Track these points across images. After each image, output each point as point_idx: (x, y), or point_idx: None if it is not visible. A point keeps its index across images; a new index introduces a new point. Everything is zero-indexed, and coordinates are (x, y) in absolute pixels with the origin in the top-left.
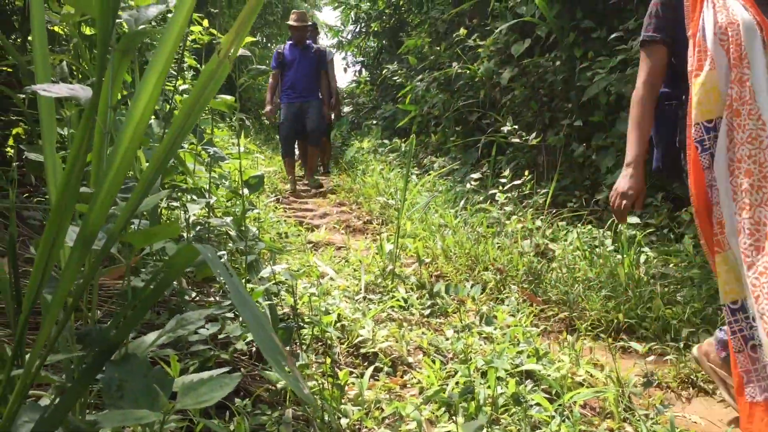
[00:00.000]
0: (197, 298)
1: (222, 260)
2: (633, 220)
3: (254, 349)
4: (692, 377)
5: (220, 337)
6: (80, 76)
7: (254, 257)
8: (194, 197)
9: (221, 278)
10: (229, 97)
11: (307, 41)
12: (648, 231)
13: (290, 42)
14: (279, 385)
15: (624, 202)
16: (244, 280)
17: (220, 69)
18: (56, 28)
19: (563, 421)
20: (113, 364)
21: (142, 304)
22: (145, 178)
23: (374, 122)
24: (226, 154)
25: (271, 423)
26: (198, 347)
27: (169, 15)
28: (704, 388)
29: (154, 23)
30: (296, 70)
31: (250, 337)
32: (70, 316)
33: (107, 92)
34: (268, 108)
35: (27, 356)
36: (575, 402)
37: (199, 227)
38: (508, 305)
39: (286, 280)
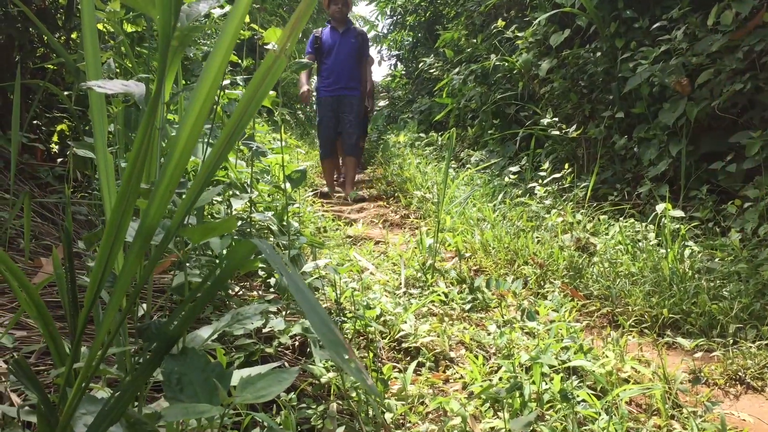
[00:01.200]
0: (240, 292)
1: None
2: (677, 213)
3: (297, 343)
4: (740, 374)
5: (264, 331)
6: (122, 72)
7: (296, 252)
8: (236, 192)
9: (279, 273)
10: (271, 92)
11: (348, 23)
12: (693, 224)
13: (329, 24)
14: (323, 380)
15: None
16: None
17: (275, 66)
18: (99, 26)
19: (610, 418)
20: (172, 357)
21: (201, 299)
22: (201, 175)
23: (410, 116)
24: (266, 148)
25: (316, 417)
26: (243, 341)
27: (215, 10)
28: (753, 385)
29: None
30: (336, 56)
31: (293, 330)
32: (128, 311)
33: (160, 88)
34: (304, 89)
35: (83, 350)
36: (621, 399)
37: (241, 222)
38: (550, 300)
39: (328, 274)
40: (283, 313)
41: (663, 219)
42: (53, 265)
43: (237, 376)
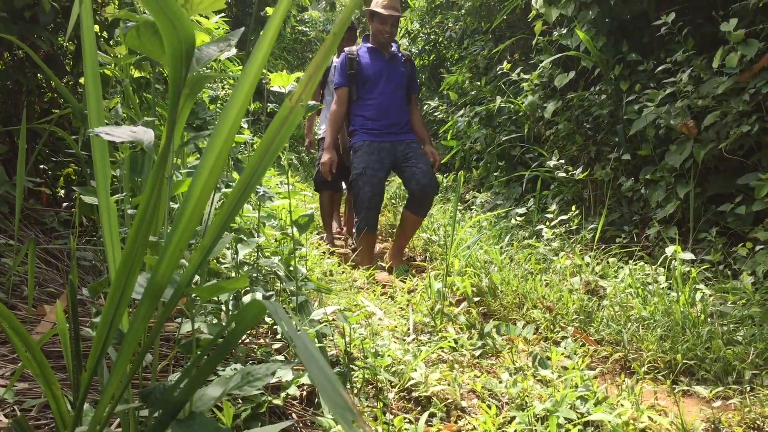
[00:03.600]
0: (247, 339)
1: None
2: (687, 256)
3: (305, 392)
4: (758, 422)
5: (271, 381)
6: (129, 118)
7: (304, 298)
8: (243, 237)
9: (284, 330)
10: None
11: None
12: (703, 267)
13: (367, 44)
14: (332, 431)
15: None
16: (294, 323)
17: (292, 115)
18: (107, 71)
19: None
20: (179, 424)
21: (209, 363)
22: (214, 229)
23: None
24: (273, 192)
25: None
26: (250, 392)
27: (225, 54)
28: None
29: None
30: (384, 88)
31: (301, 380)
32: (134, 373)
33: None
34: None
35: (86, 406)
36: None
37: (246, 267)
38: (564, 347)
39: (334, 320)
40: (291, 362)
41: (673, 261)
42: (57, 319)
43: None
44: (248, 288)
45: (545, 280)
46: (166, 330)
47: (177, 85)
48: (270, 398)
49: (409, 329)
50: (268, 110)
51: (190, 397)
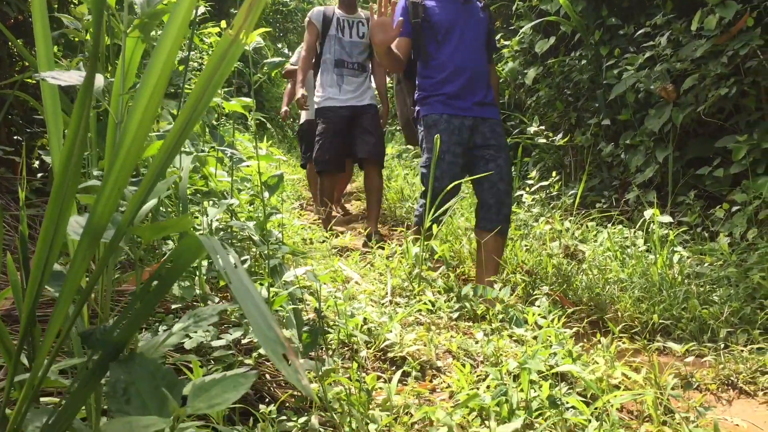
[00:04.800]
0: (219, 302)
1: (244, 265)
2: (665, 219)
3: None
4: (732, 379)
5: (243, 342)
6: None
7: (278, 261)
8: (215, 201)
9: (220, 266)
10: (246, 99)
11: None
12: (681, 230)
13: None
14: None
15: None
16: (267, 285)
17: (232, 48)
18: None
19: (600, 424)
20: (118, 364)
21: (148, 301)
22: (155, 165)
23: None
24: (248, 158)
25: (297, 429)
26: (222, 353)
27: None
28: (745, 389)
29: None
30: (460, 42)
31: None
32: (77, 315)
33: (120, 80)
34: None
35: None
36: (612, 405)
37: (222, 232)
38: (538, 306)
39: (312, 284)
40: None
41: (651, 225)
42: (8, 271)
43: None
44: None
45: (525, 245)
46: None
47: (98, 16)
48: (241, 358)
49: (386, 293)
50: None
51: (130, 337)
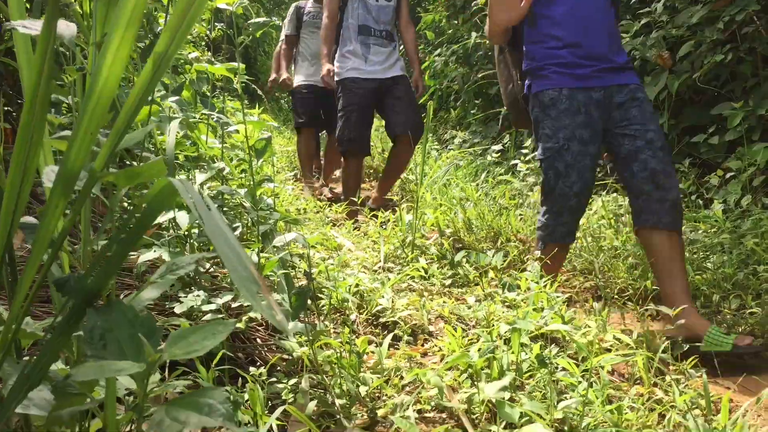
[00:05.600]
0: (212, 269)
1: (235, 232)
2: None
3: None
4: None
5: (234, 306)
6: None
7: (268, 227)
8: (205, 166)
9: (193, 208)
10: (233, 64)
11: None
12: None
13: None
14: (295, 354)
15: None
16: (257, 250)
17: None
18: None
19: (590, 385)
20: (96, 311)
21: (122, 246)
22: (127, 109)
23: None
24: (233, 121)
25: (287, 391)
26: (213, 317)
27: None
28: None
29: None
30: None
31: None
32: (51, 263)
33: (91, 28)
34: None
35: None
36: (603, 367)
37: (212, 198)
38: (531, 271)
39: (304, 250)
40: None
41: None
42: None
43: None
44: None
45: (520, 214)
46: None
47: None
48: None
49: (379, 260)
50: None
51: (106, 284)
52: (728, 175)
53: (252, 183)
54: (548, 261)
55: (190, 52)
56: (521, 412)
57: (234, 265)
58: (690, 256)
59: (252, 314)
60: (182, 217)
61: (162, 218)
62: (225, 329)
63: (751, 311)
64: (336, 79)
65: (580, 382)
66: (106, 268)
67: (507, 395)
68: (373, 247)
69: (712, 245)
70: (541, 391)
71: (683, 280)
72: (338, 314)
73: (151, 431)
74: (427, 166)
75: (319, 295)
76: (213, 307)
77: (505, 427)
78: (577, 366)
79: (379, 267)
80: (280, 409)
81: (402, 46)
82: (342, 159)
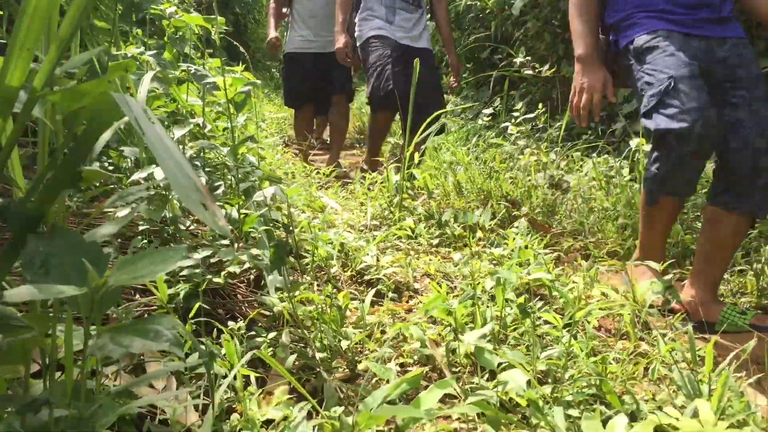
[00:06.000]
0: (192, 226)
1: (217, 191)
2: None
3: (252, 276)
4: None
5: (213, 261)
6: None
7: (250, 184)
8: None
9: (133, 122)
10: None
11: None
12: None
13: None
14: (276, 309)
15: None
16: (236, 206)
17: None
18: None
19: (575, 338)
20: (37, 237)
21: (63, 168)
22: (70, 18)
23: None
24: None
25: (266, 345)
26: (190, 271)
27: None
28: None
29: None
30: None
31: (245, 258)
32: None
33: None
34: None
35: None
36: (588, 321)
37: (193, 157)
38: (518, 227)
39: (281, 202)
40: (236, 245)
41: (637, 154)
42: None
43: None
44: None
45: (510, 177)
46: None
47: None
48: (210, 276)
49: (366, 220)
50: None
51: (47, 208)
52: None
53: (232, 137)
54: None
55: (168, 7)
56: (501, 360)
57: (175, 175)
58: (680, 216)
59: (231, 269)
60: (160, 172)
61: (139, 174)
62: (176, 255)
63: (740, 269)
64: (358, 43)
65: (564, 336)
66: (46, 191)
67: (490, 346)
68: (361, 208)
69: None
70: (524, 344)
71: (723, 270)
72: (322, 273)
73: (92, 352)
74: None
75: (303, 254)
76: (190, 262)
77: (488, 379)
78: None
79: (365, 226)
80: (249, 354)
81: (429, 17)
82: (370, 113)
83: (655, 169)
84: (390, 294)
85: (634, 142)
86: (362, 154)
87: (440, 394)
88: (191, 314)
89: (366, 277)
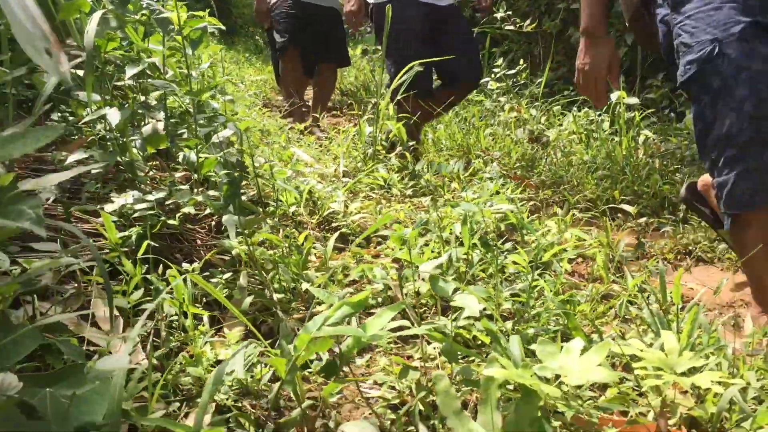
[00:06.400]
0: (150, 172)
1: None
2: (632, 100)
3: (213, 222)
4: (690, 247)
5: (168, 203)
6: None
7: (212, 129)
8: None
9: None
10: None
11: None
12: (649, 111)
13: None
14: (234, 252)
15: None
16: (195, 149)
17: None
18: None
19: (541, 276)
20: None
21: None
22: None
23: (367, 29)
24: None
25: (222, 286)
26: (142, 213)
27: None
28: (703, 258)
29: None
30: None
31: (200, 198)
32: None
33: None
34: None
35: None
36: (560, 264)
37: (161, 112)
38: (488, 171)
39: (250, 150)
40: (195, 190)
41: (618, 108)
42: None
43: None
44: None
45: (491, 133)
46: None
47: None
48: (165, 218)
49: (338, 172)
50: None
51: None
52: None
53: (188, 76)
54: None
55: None
56: (457, 288)
57: (18, 17)
58: (660, 167)
59: (186, 210)
60: (113, 115)
61: (92, 116)
62: (52, 133)
63: None
64: (372, 2)
65: (530, 273)
66: None
67: (452, 286)
68: (334, 161)
69: (682, 158)
70: (491, 284)
71: None
72: (290, 221)
73: None
74: None
75: (270, 202)
76: (145, 205)
77: (454, 319)
78: (534, 267)
79: (336, 177)
80: (186, 275)
81: None
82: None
83: (725, 176)
84: (358, 240)
85: (614, 95)
86: (343, 114)
87: (389, 318)
88: (143, 257)
89: (333, 224)
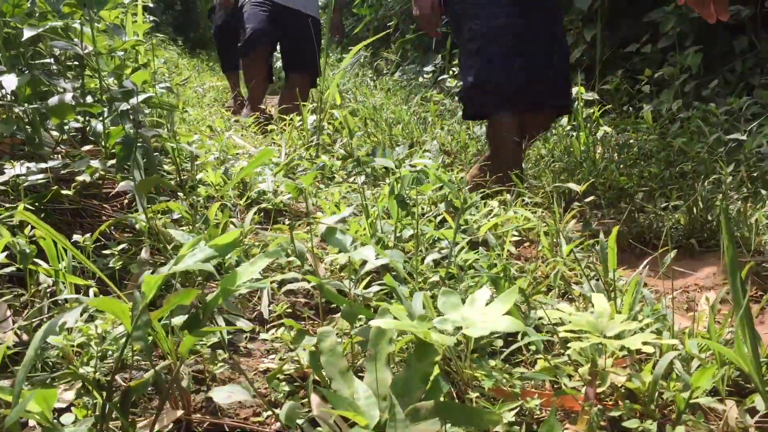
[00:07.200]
0: (59, 147)
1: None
2: (590, 95)
3: (126, 201)
4: (644, 236)
5: (63, 173)
6: None
7: (129, 108)
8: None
9: None
10: None
11: None
12: (607, 107)
13: None
14: (137, 226)
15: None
16: (101, 120)
17: None
18: None
19: (471, 248)
20: None
21: None
22: None
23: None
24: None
25: (117, 259)
26: (32, 182)
27: None
28: (656, 244)
29: None
30: None
31: (96, 165)
32: None
33: None
34: None
35: None
36: (501, 239)
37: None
38: (428, 151)
39: (201, 158)
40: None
41: (576, 104)
42: None
43: None
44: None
45: (449, 128)
46: None
47: None
48: (56, 187)
49: (279, 159)
50: None
51: None
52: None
53: (93, 40)
54: None
55: None
56: (354, 239)
57: None
58: (618, 159)
59: (81, 177)
60: (9, 80)
61: None
62: None
63: (675, 204)
64: None
65: (462, 247)
66: None
67: (350, 238)
68: (278, 150)
69: (641, 151)
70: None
71: None
72: (215, 201)
73: None
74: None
75: (200, 185)
76: (39, 176)
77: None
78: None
79: (275, 164)
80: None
81: None
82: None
83: None
84: (288, 221)
85: (573, 90)
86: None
87: (264, 264)
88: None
89: (262, 205)
